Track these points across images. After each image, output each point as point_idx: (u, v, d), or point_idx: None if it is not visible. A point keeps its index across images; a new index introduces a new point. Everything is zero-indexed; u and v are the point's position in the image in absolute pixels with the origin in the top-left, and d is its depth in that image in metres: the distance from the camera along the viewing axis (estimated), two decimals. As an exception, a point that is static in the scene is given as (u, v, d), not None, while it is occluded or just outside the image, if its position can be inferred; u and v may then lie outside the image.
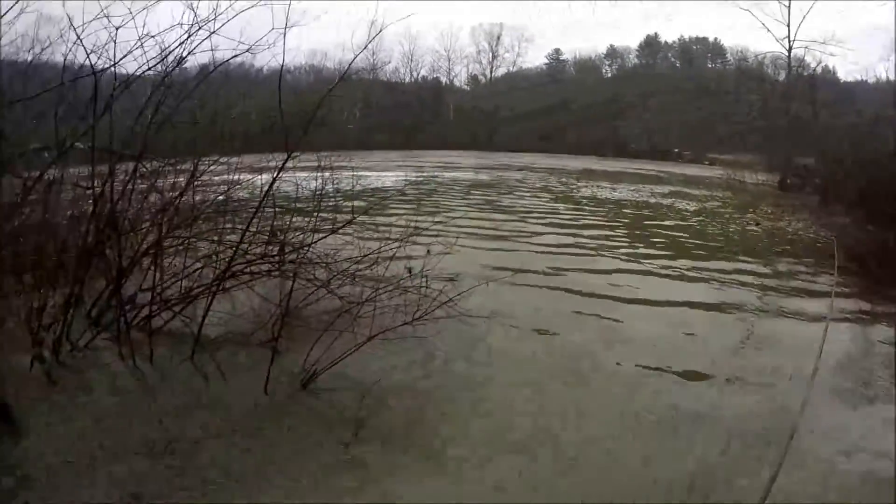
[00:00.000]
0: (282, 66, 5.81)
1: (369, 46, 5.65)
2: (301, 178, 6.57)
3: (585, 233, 14.04)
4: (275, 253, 6.14)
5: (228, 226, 6.70)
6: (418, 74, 71.39)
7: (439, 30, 74.19)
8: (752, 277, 10.32)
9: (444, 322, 5.71)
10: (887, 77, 42.49)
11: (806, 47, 37.24)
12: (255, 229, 6.01)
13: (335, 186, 7.26)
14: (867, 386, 5.81)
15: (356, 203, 7.04)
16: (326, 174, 6.85)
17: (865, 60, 65.61)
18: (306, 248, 5.95)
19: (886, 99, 37.56)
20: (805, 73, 40.35)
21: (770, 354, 6.46)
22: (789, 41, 35.86)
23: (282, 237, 6.30)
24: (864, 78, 48.24)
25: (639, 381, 5.60)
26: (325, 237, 6.25)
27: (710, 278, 10.18)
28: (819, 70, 47.33)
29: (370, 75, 55.29)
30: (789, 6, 34.86)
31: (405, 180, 21.26)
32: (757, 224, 18.35)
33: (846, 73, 55.22)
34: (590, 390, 5.35)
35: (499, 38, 71.62)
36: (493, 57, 72.58)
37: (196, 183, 6.33)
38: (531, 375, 5.51)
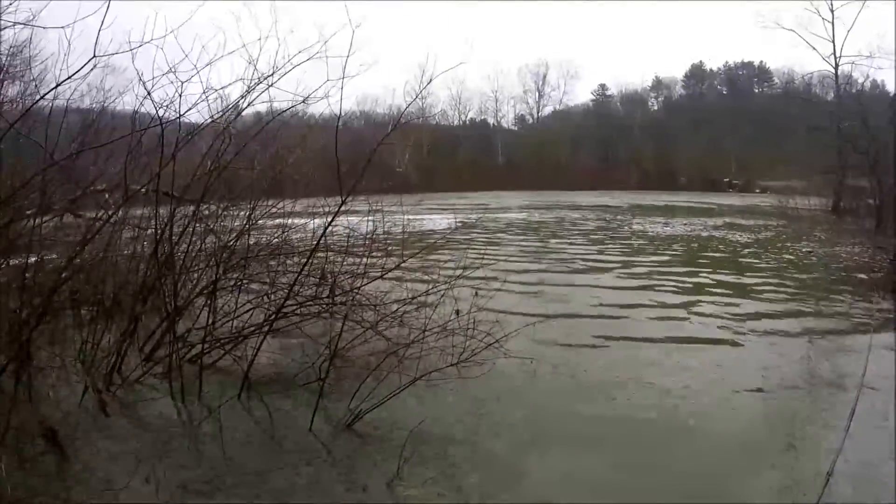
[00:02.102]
0: (339, 117, 6.06)
1: (415, 90, 5.77)
2: (353, 221, 6.77)
3: (639, 270, 13.94)
4: (325, 295, 6.32)
5: (280, 268, 6.91)
6: (466, 117, 72.42)
7: (485, 72, 75.11)
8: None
9: (490, 364, 5.59)
10: None
11: (853, 63, 36.03)
12: (306, 272, 6.14)
13: (385, 229, 7.46)
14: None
15: (406, 246, 7.14)
16: (377, 217, 7.02)
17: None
18: (356, 291, 6.11)
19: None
20: (853, 91, 39.12)
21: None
22: (835, 58, 34.94)
23: (332, 280, 6.47)
24: None
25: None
26: (374, 280, 6.40)
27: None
28: (867, 85, 45.85)
29: (419, 119, 56.38)
30: (833, 22, 34.06)
31: (456, 222, 21.49)
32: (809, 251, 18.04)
33: (896, 85, 53.13)
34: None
35: (545, 76, 72.14)
36: (540, 96, 73.15)
37: (251, 226, 6.58)
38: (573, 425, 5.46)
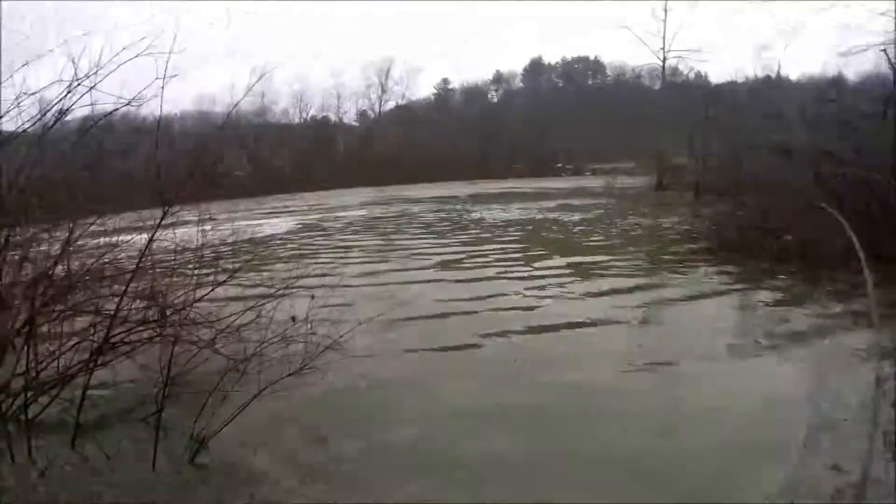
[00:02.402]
0: (159, 120, 5.81)
1: (256, 88, 5.65)
2: (183, 233, 6.52)
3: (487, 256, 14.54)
4: (156, 317, 5.91)
5: (107, 293, 6.20)
6: (308, 115, 70.98)
7: (329, 68, 73.89)
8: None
9: (332, 365, 5.65)
10: (755, 75, 46.84)
11: (679, 56, 40.18)
12: (133, 294, 5.77)
13: (219, 239, 7.19)
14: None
15: (240, 255, 7.01)
16: (209, 227, 6.78)
17: (737, 62, 71.64)
18: (188, 309, 5.83)
19: (756, 95, 41.59)
20: (678, 81, 43.57)
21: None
22: (664, 53, 38.94)
23: (162, 299, 6.03)
24: (734, 78, 52.73)
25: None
26: (206, 294, 6.12)
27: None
28: (692, 76, 51.30)
29: (259, 119, 54.50)
30: (665, 20, 37.80)
31: (296, 225, 21.12)
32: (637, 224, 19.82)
33: (718, 76, 59.96)
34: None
35: (388, 71, 72.16)
36: (383, 91, 73.06)
37: (72, 249, 6.00)
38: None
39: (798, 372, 6.59)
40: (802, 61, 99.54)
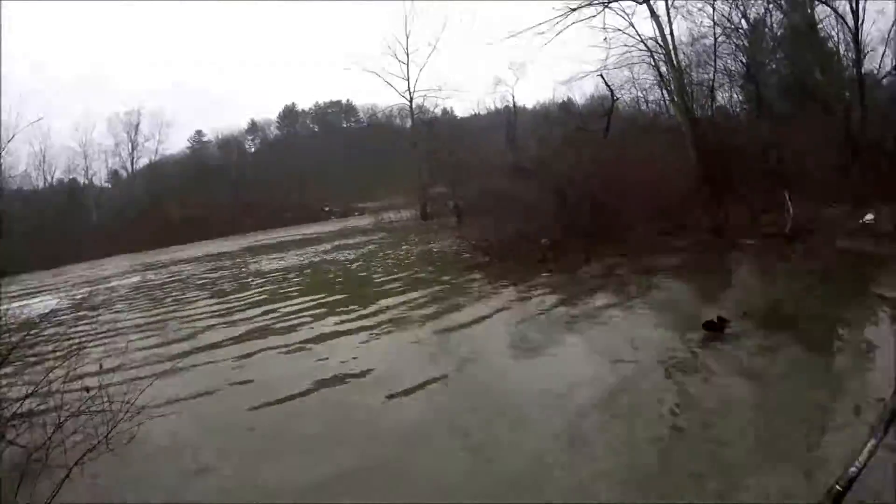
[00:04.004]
0: None
1: None
2: None
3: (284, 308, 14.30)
4: None
5: None
6: (52, 178, 63.70)
7: (73, 123, 66.51)
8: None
9: (138, 428, 5.49)
10: (495, 107, 52.23)
11: (424, 96, 43.43)
12: None
13: None
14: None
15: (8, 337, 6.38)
16: None
17: (477, 97, 78.92)
18: None
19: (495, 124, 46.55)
20: (426, 117, 47.22)
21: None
22: (410, 94, 41.75)
23: None
24: (477, 112, 58.42)
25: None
26: None
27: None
28: (439, 112, 55.72)
29: None
30: (408, 63, 40.78)
31: (66, 299, 19.07)
32: (408, 253, 20.87)
33: (463, 110, 65.85)
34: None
35: (137, 126, 67.43)
36: (134, 147, 68.06)
37: None
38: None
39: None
40: (536, 91, 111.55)
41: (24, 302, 11.40)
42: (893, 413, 3.24)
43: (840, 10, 18.31)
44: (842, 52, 19.36)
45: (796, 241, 12.31)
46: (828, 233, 12.38)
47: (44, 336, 7.37)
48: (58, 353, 6.57)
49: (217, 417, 6.76)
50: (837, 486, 3.06)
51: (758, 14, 21.12)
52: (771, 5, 20.23)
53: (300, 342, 9.81)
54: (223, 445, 5.92)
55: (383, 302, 12.21)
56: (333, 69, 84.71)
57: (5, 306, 6.85)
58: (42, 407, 5.67)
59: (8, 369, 5.98)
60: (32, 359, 6.70)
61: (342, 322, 10.95)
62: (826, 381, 5.78)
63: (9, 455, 5.20)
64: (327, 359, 8.59)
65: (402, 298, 12.37)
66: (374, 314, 11.24)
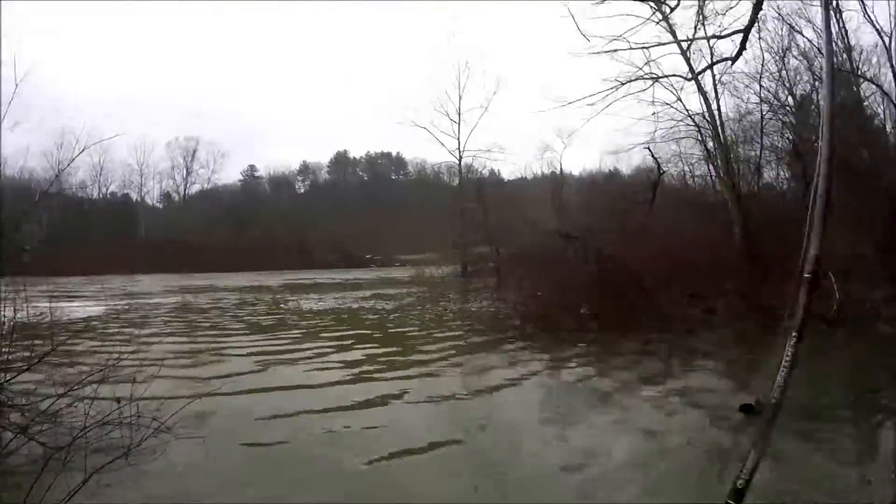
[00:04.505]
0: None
1: (55, 156, 5.42)
2: None
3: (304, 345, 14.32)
4: None
5: None
6: (108, 190, 66.23)
7: (132, 142, 70.03)
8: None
9: (162, 446, 5.52)
10: (542, 172, 52.65)
11: (473, 156, 44.16)
12: None
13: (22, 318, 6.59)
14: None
15: (53, 335, 6.45)
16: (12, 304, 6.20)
17: (524, 161, 79.60)
18: None
19: (541, 189, 46.88)
20: (474, 178, 47.69)
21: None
22: (459, 152, 42.47)
23: None
24: (524, 175, 58.87)
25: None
26: (18, 375, 5.66)
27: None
28: (486, 173, 56.44)
29: (53, 187, 49.33)
30: (459, 123, 41.61)
31: (108, 308, 19.51)
32: (446, 309, 20.73)
33: (509, 173, 66.41)
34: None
35: (194, 153, 69.94)
36: (189, 173, 70.48)
37: None
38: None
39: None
40: (583, 158, 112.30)
41: (65, 304, 11.57)
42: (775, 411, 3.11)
43: (885, 87, 18.37)
44: (888, 128, 19.29)
45: (839, 325, 11.87)
46: (872, 318, 11.95)
47: (81, 340, 7.48)
48: (93, 360, 6.62)
49: (238, 449, 6.68)
50: (738, 483, 2.94)
51: (804, 91, 20.83)
52: (817, 82, 20.04)
53: (323, 384, 9.76)
54: (241, 476, 5.83)
55: (413, 357, 12.10)
56: (385, 119, 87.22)
57: (47, 305, 6.91)
58: (70, 410, 5.67)
59: (43, 368, 6.00)
60: (66, 360, 6.75)
61: (367, 372, 10.86)
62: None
63: (27, 451, 5.19)
64: (346, 407, 8.45)
65: (433, 355, 12.20)
66: (401, 367, 11.14)
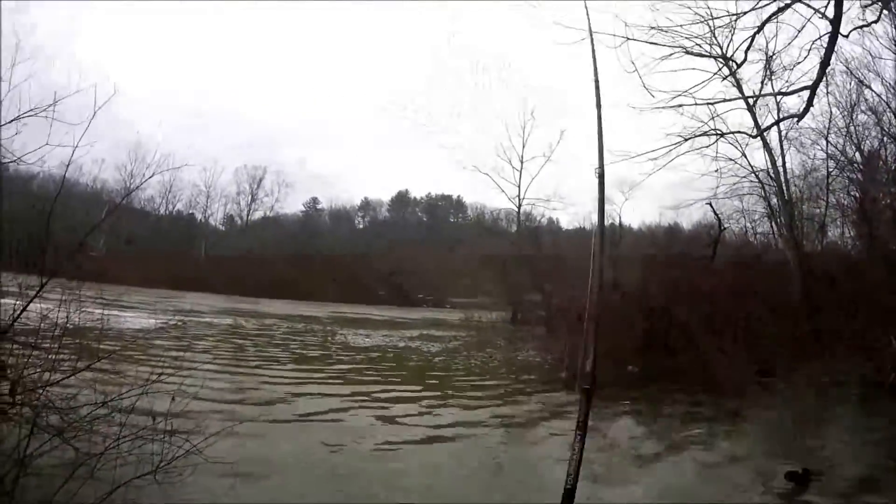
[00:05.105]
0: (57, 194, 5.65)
1: (127, 169, 5.63)
2: (46, 308, 6.02)
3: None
4: (5, 392, 5.48)
5: None
6: (174, 208, 68.77)
7: (202, 164, 71.94)
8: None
9: (190, 470, 5.38)
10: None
11: (532, 204, 44.38)
12: None
13: (80, 322, 6.71)
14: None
15: (101, 343, 6.56)
16: (73, 307, 6.25)
17: (584, 211, 78.55)
18: (43, 389, 5.42)
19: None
20: (532, 225, 47.82)
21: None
22: (519, 199, 42.76)
23: (15, 374, 5.59)
24: (583, 226, 58.49)
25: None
26: (66, 378, 5.68)
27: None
28: (545, 222, 56.40)
29: (124, 200, 51.71)
30: (521, 171, 41.99)
31: (161, 322, 20.02)
32: (492, 356, 20.46)
33: (568, 222, 65.89)
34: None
35: (260, 180, 71.97)
36: (253, 199, 72.43)
37: None
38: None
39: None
40: (642, 211, 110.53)
41: (118, 313, 11.82)
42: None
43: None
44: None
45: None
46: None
47: (129, 352, 7.59)
48: (137, 372, 6.67)
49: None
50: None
51: (872, 147, 19.93)
52: (885, 138, 19.18)
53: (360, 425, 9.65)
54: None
55: (453, 402, 11.91)
56: (446, 162, 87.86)
57: (100, 312, 6.99)
58: (107, 419, 5.68)
59: (89, 374, 6.07)
60: (110, 368, 6.80)
61: (406, 415, 10.79)
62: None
63: (60, 455, 5.20)
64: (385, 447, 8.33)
65: (473, 403, 12.03)
66: (437, 407, 10.99)
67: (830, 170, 20.14)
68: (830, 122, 19.61)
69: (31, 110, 5.49)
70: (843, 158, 19.85)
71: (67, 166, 5.47)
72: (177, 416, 6.00)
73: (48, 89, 5.56)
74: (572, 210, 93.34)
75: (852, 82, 18.76)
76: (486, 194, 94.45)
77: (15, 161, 5.67)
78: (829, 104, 19.35)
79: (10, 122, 5.51)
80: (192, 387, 7.93)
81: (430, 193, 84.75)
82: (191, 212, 69.88)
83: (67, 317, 6.02)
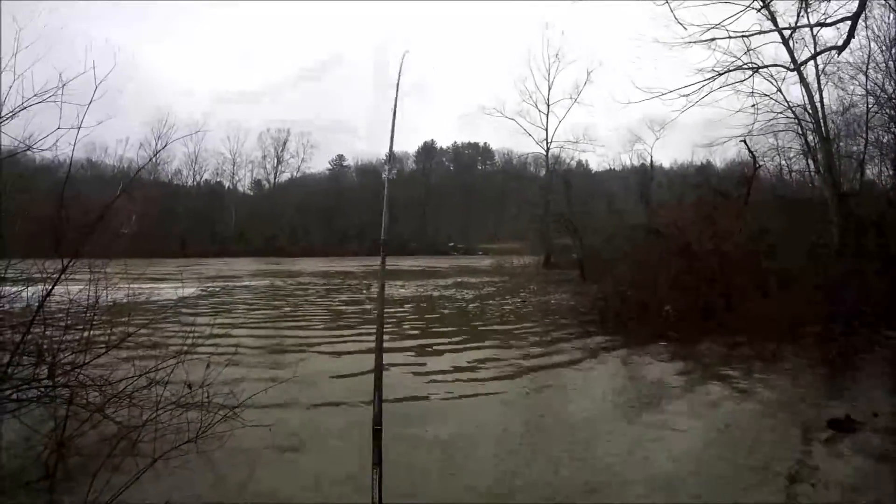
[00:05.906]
0: (67, 175, 5.73)
1: (152, 146, 5.64)
2: (74, 290, 6.12)
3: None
4: (44, 375, 5.55)
5: None
6: (201, 178, 69.51)
7: (225, 132, 72.59)
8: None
9: (228, 436, 5.46)
10: (631, 164, 51.50)
11: (561, 147, 43.62)
12: (21, 351, 5.43)
13: (111, 299, 6.85)
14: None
15: (134, 317, 6.67)
16: (101, 285, 6.30)
17: (613, 152, 77.20)
18: (79, 370, 5.53)
19: (629, 182, 45.97)
20: (561, 169, 47.04)
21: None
22: (547, 143, 42.10)
23: (52, 358, 5.67)
24: (612, 167, 57.62)
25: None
26: (99, 356, 5.78)
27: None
28: (574, 164, 55.56)
29: (150, 175, 52.56)
30: (548, 114, 41.14)
31: (191, 291, 20.42)
32: (525, 301, 20.53)
33: (597, 164, 64.93)
34: None
35: (285, 143, 72.19)
36: (279, 162, 72.76)
37: None
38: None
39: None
40: (674, 150, 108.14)
41: (153, 286, 12.00)
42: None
43: None
44: None
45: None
46: None
47: (169, 322, 7.74)
48: (174, 342, 6.80)
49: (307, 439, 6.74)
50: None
51: None
52: None
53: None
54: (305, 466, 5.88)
55: (488, 351, 11.94)
56: (472, 109, 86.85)
57: (135, 287, 7.11)
58: (145, 392, 5.82)
59: (124, 352, 6.18)
60: (146, 340, 6.95)
61: (438, 364, 10.86)
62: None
63: (99, 432, 5.35)
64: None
65: (509, 347, 12.08)
66: (475, 359, 11.05)
67: (870, 106, 19.41)
68: (869, 56, 18.79)
69: (36, 95, 5.43)
70: (882, 94, 19.02)
71: (73, 147, 5.36)
72: (212, 382, 6.04)
73: (68, 72, 5.50)
74: (601, 151, 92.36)
75: (892, 15, 17.86)
76: (513, 140, 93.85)
77: (28, 149, 5.62)
78: (868, 38, 18.52)
79: (16, 112, 5.48)
80: (225, 353, 8.13)
81: (456, 142, 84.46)
82: (218, 180, 70.77)
83: (97, 295, 6.13)
